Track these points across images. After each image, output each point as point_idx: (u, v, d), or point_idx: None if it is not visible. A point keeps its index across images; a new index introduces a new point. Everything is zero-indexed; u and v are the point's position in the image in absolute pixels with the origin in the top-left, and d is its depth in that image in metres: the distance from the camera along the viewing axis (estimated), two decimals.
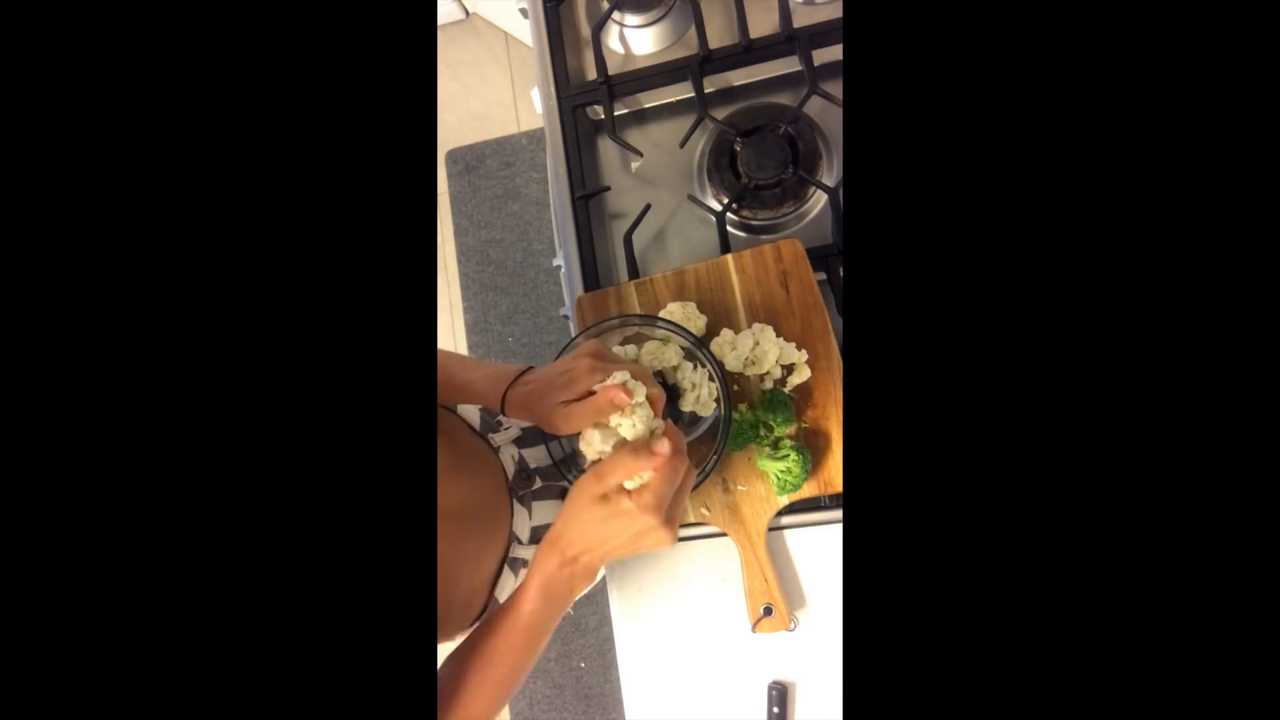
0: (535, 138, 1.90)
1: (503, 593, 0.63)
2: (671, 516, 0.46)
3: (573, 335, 0.66)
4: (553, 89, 0.83)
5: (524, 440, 0.71)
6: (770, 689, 0.68)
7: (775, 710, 0.67)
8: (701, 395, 0.60)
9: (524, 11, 0.87)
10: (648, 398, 0.48)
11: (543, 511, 0.69)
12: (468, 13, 1.97)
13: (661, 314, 0.68)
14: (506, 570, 0.64)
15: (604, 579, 0.83)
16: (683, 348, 0.61)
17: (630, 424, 0.47)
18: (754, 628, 0.68)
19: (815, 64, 0.76)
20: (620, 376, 0.47)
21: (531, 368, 0.55)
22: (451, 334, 1.92)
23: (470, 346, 1.89)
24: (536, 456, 0.71)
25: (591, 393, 0.48)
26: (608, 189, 0.82)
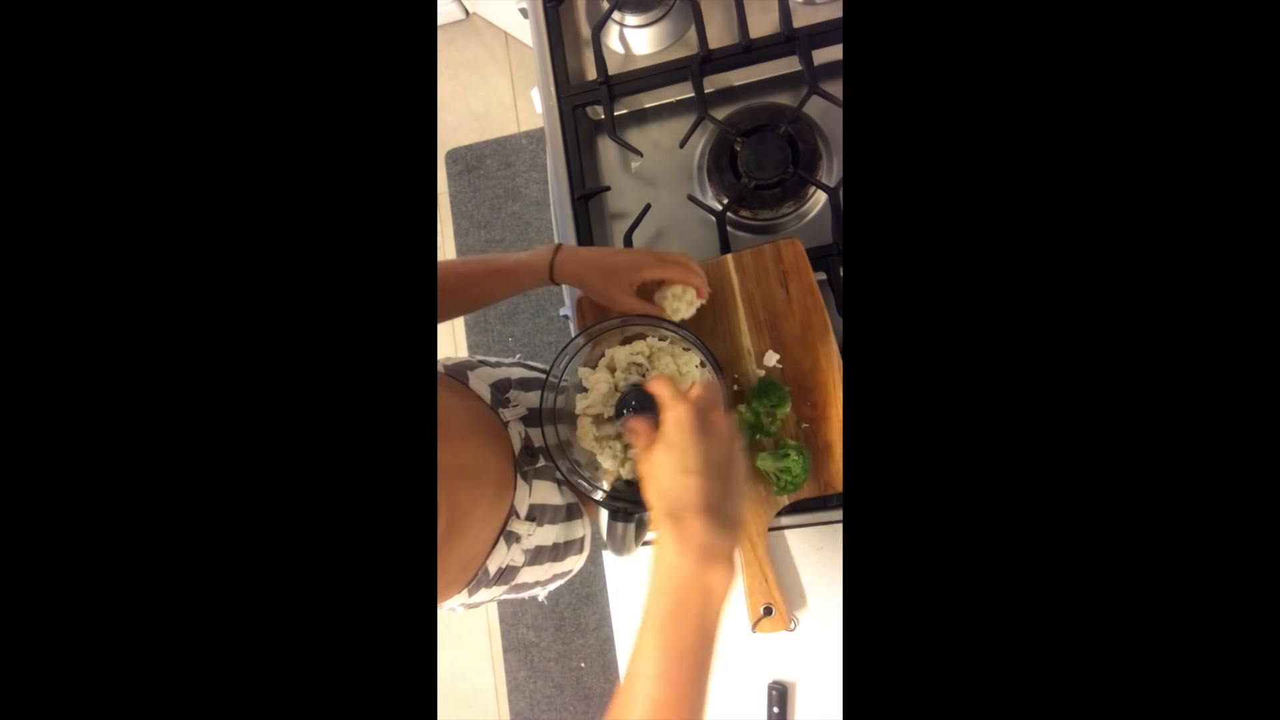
0: (535, 138, 1.90)
1: (493, 564, 0.64)
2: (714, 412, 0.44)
3: (573, 335, 0.66)
4: (553, 89, 0.83)
5: (530, 419, 0.72)
6: (770, 689, 0.68)
7: (775, 710, 0.67)
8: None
9: (524, 11, 0.87)
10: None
11: (541, 491, 0.70)
12: (468, 13, 1.97)
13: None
14: (501, 541, 0.64)
15: (603, 577, 0.83)
16: (684, 349, 0.61)
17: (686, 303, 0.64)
18: (754, 628, 0.68)
19: (815, 64, 0.76)
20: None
21: (561, 245, 0.64)
22: (451, 334, 1.92)
23: (470, 346, 1.89)
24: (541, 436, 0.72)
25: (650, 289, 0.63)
26: (608, 189, 0.82)
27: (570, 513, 0.77)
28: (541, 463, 0.71)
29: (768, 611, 0.67)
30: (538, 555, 0.71)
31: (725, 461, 0.42)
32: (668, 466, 0.41)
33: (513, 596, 0.77)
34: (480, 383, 0.71)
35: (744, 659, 0.70)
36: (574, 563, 0.82)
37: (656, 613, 0.38)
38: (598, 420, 0.63)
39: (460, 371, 0.72)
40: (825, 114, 0.78)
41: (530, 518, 0.68)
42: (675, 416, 0.42)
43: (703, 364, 0.60)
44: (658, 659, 0.37)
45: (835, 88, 0.75)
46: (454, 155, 1.94)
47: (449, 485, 0.54)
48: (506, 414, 0.70)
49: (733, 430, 0.43)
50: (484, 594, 0.69)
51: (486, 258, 0.67)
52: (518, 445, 0.69)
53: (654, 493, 0.42)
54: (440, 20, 1.95)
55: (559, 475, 0.72)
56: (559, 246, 0.64)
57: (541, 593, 0.82)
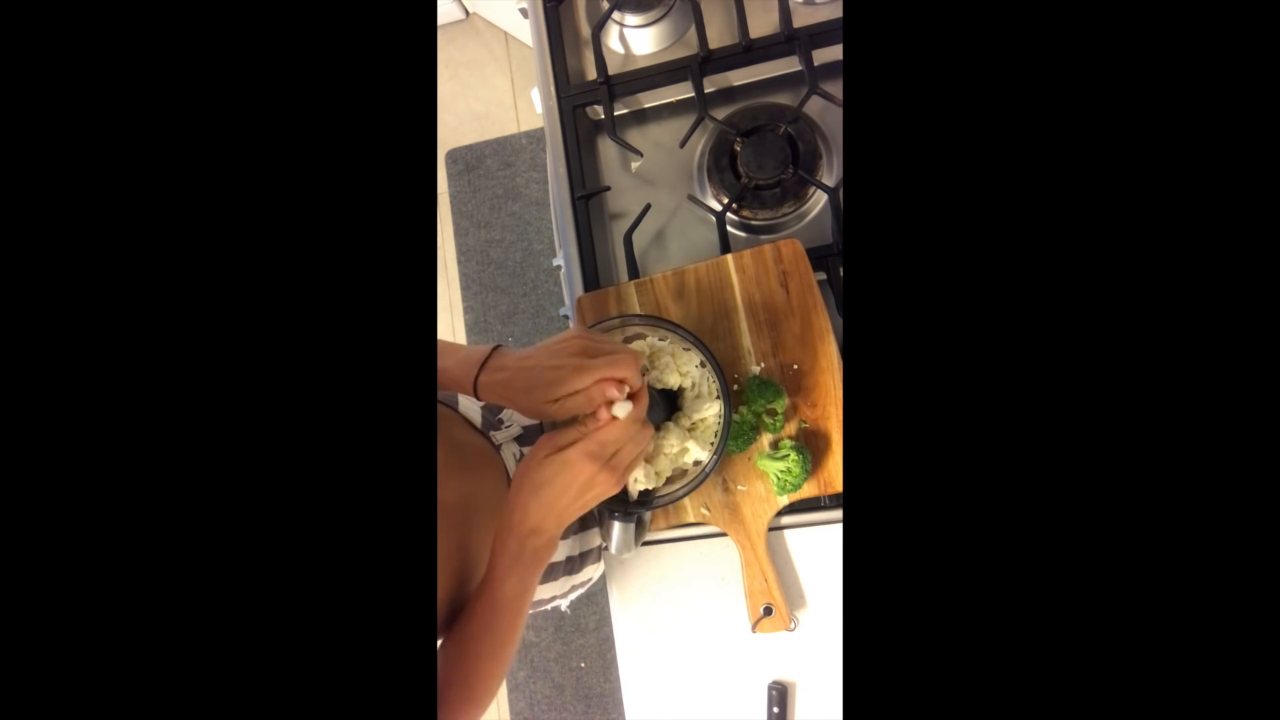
0: (535, 138, 1.90)
1: None
2: (616, 465, 0.49)
3: None
4: (553, 89, 0.83)
5: (525, 438, 0.71)
6: (770, 689, 0.68)
7: (775, 710, 0.67)
8: (701, 392, 0.60)
9: (524, 11, 0.87)
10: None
11: None
12: (468, 13, 1.97)
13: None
14: None
15: (604, 578, 0.83)
16: (684, 349, 0.61)
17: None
18: (754, 628, 0.68)
19: (815, 64, 0.76)
20: (613, 394, 0.50)
21: (499, 348, 0.53)
22: (451, 334, 1.92)
23: None
24: None
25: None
26: (608, 189, 0.82)
27: (584, 523, 0.75)
28: None
29: (768, 611, 0.67)
30: (551, 572, 0.70)
31: (577, 510, 0.50)
32: (540, 496, 0.49)
33: (531, 612, 0.76)
34: (471, 405, 0.69)
35: (744, 659, 0.70)
36: (592, 571, 0.80)
37: (504, 587, 0.51)
38: None
39: (450, 396, 0.70)
40: (825, 114, 0.78)
41: None
42: (577, 464, 0.48)
43: (703, 364, 0.61)
44: (502, 612, 0.52)
45: (835, 88, 0.75)
46: (454, 155, 1.94)
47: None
48: (498, 436, 0.69)
49: (606, 489, 0.50)
50: None
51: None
52: (512, 467, 0.67)
53: (522, 492, 0.50)
54: (440, 20, 1.95)
55: None
56: (490, 354, 0.53)
57: (563, 603, 0.81)
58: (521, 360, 0.52)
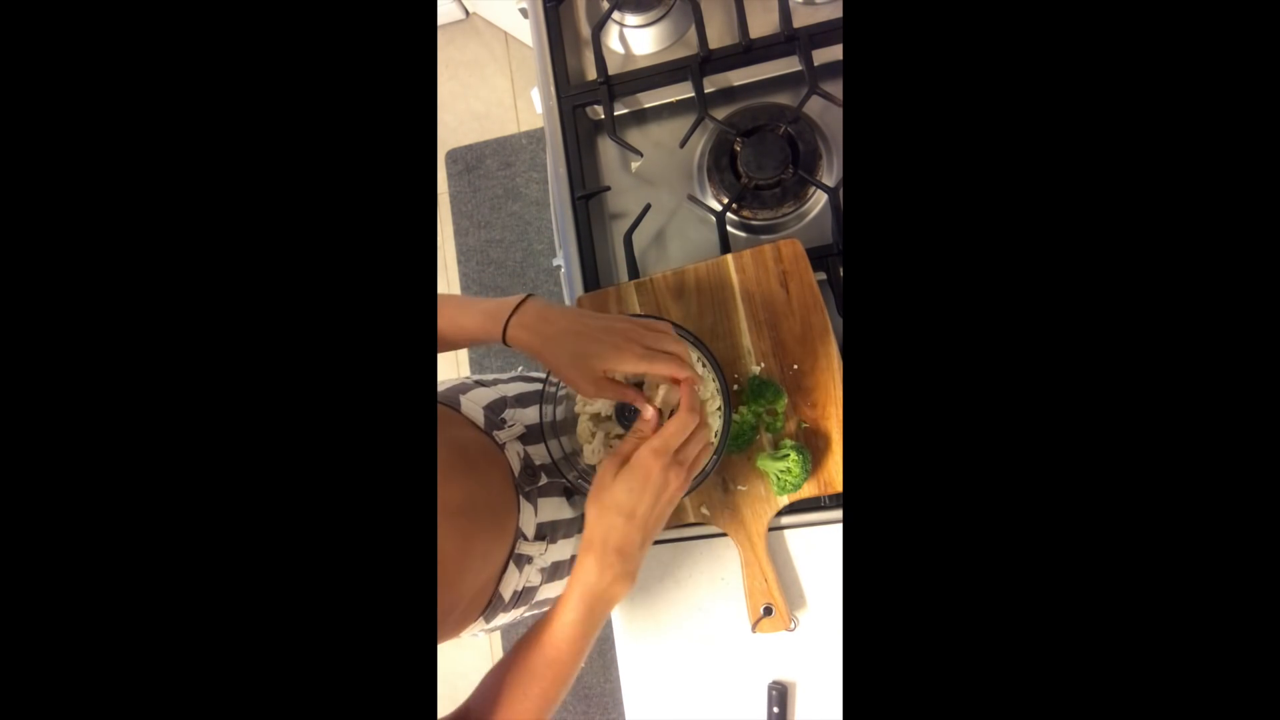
0: (535, 138, 1.90)
1: (506, 588, 0.63)
2: (682, 460, 0.51)
3: None
4: (553, 89, 0.83)
5: (528, 437, 0.71)
6: (770, 689, 0.68)
7: (775, 710, 0.67)
8: (702, 393, 0.60)
9: (524, 11, 0.87)
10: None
11: (548, 508, 0.69)
12: (468, 13, 1.97)
13: None
14: (512, 566, 0.64)
15: None
16: None
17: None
18: (754, 628, 0.68)
19: (815, 64, 0.76)
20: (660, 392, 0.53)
21: (531, 297, 0.55)
22: None
23: (472, 353, 1.89)
24: (542, 453, 0.71)
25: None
26: (608, 189, 0.82)
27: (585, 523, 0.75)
28: (545, 480, 0.70)
29: (768, 611, 0.67)
30: (555, 571, 0.70)
31: (658, 516, 0.51)
32: (617, 505, 0.50)
33: (535, 614, 0.75)
34: (473, 406, 0.69)
35: (744, 659, 0.70)
36: None
37: (573, 612, 0.51)
38: (596, 419, 0.64)
39: (452, 397, 0.69)
40: (825, 114, 0.78)
41: (540, 537, 0.67)
42: (645, 463, 0.50)
43: (703, 364, 0.61)
44: (570, 639, 0.51)
45: (835, 88, 0.75)
46: (454, 155, 1.94)
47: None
48: (502, 435, 0.69)
49: (679, 488, 0.51)
50: (503, 617, 0.67)
51: (452, 295, 0.59)
52: (517, 466, 0.67)
53: (596, 514, 0.51)
54: (440, 20, 1.96)
55: (567, 484, 0.71)
56: (524, 301, 0.54)
57: None
58: (573, 321, 0.53)
